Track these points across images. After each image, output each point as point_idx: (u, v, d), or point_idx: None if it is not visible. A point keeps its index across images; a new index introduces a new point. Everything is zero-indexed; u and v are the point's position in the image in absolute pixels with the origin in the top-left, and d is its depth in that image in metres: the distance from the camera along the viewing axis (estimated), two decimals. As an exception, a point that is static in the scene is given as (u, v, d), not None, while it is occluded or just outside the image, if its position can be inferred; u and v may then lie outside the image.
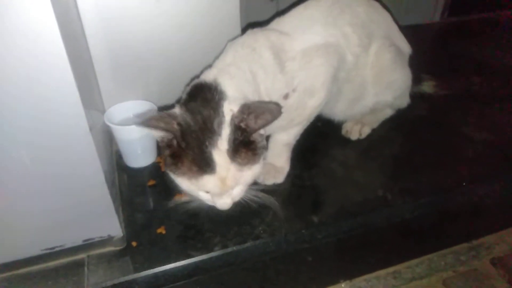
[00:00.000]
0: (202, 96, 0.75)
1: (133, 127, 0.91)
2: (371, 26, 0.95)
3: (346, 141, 1.07)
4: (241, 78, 0.78)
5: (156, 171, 0.97)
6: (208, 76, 0.78)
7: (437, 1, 1.78)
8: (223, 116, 0.72)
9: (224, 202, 0.76)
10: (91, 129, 0.66)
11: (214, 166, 0.70)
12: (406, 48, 1.06)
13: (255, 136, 0.73)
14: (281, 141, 0.93)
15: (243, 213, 0.84)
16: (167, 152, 0.74)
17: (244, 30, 0.97)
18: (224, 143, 0.71)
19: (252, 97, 0.78)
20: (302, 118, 0.90)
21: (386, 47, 0.97)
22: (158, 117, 0.72)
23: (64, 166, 0.68)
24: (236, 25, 1.04)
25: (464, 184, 0.93)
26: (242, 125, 0.71)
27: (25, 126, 0.62)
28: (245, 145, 0.72)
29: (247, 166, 0.73)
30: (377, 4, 1.00)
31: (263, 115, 0.70)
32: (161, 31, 0.99)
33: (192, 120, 0.72)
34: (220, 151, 0.70)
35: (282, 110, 0.81)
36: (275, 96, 0.83)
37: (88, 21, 0.90)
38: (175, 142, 0.72)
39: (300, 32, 0.87)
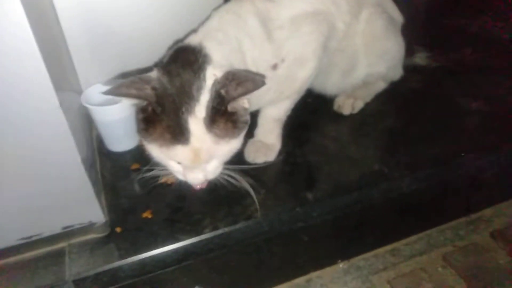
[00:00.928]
0: (184, 58, 0.70)
1: (112, 107, 0.85)
2: None
3: (339, 116, 1.02)
4: (228, 45, 0.73)
5: (139, 154, 0.91)
6: (193, 40, 0.73)
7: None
8: (204, 80, 0.66)
9: (195, 177, 0.69)
10: (61, 104, 0.60)
11: (188, 136, 0.65)
12: (398, 16, 1.02)
13: (237, 108, 0.68)
14: (272, 116, 0.88)
15: (234, 193, 0.79)
16: (140, 116, 0.68)
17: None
18: (202, 110, 0.65)
19: (238, 66, 0.73)
20: (293, 91, 0.86)
21: (378, 14, 0.92)
22: (129, 83, 0.66)
23: (36, 148, 0.63)
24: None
25: (462, 154, 0.89)
26: (223, 91, 0.65)
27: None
28: (225, 115, 0.66)
29: (225, 140, 0.68)
30: None
31: (245, 83, 0.64)
32: (139, 5, 0.93)
33: (169, 83, 0.67)
34: (196, 119, 0.65)
35: (271, 81, 0.77)
36: (263, 67, 0.79)
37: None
38: (149, 108, 0.66)
39: None
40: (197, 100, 0.65)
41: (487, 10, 1.59)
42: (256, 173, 0.85)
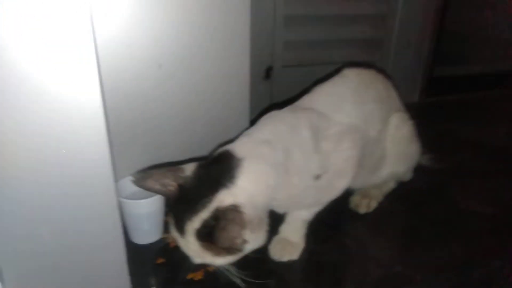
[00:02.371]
0: (217, 168, 0.76)
1: (144, 201, 0.88)
2: (389, 101, 1.01)
3: (355, 214, 1.06)
4: (268, 162, 0.77)
5: (164, 248, 0.91)
6: (240, 150, 0.77)
7: (415, 83, 1.93)
8: (212, 201, 0.71)
9: (193, 261, 0.77)
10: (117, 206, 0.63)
11: (184, 233, 0.73)
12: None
13: (230, 237, 0.72)
14: (301, 217, 0.92)
15: None
16: None
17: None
18: (197, 222, 0.71)
19: (270, 186, 0.77)
20: (329, 198, 0.90)
21: (405, 121, 1.03)
22: (159, 176, 0.75)
23: (84, 242, 0.64)
24: (245, 105, 1.07)
25: (479, 259, 0.93)
26: (215, 222, 0.71)
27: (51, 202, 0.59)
28: (213, 238, 0.71)
29: (211, 254, 0.73)
30: (389, 82, 1.07)
31: (224, 231, 0.70)
32: (173, 105, 1.00)
33: (192, 187, 0.74)
34: (191, 226, 0.72)
35: (312, 189, 0.84)
36: (306, 176, 0.82)
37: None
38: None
39: (332, 110, 0.89)
40: (197, 214, 0.71)
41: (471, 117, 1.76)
42: (281, 272, 0.86)
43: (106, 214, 0.63)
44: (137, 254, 0.90)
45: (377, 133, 0.95)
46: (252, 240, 0.74)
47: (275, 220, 0.92)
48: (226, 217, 0.70)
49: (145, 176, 0.75)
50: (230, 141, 0.82)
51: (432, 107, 1.92)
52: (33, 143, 0.55)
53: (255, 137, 0.81)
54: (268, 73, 1.64)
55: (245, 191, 0.73)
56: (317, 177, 0.83)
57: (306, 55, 1.68)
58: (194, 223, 0.71)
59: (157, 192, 0.76)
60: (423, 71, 1.89)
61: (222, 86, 1.05)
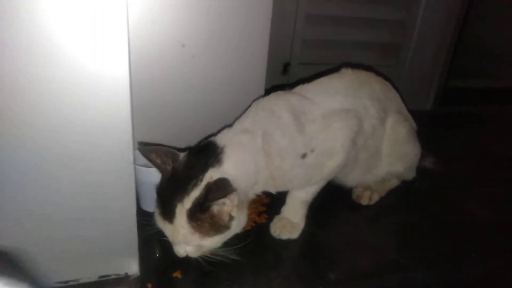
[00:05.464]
0: (202, 155, 0.82)
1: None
2: (386, 102, 1.04)
3: (357, 205, 1.10)
4: (247, 150, 0.84)
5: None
6: (221, 140, 0.85)
7: (428, 91, 1.95)
8: (202, 180, 0.78)
9: (177, 250, 0.80)
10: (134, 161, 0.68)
11: (173, 218, 0.77)
12: (413, 124, 1.15)
13: (220, 212, 0.78)
14: (299, 198, 0.96)
15: (260, 264, 0.85)
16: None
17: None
18: (189, 203, 0.76)
19: (251, 167, 0.84)
20: (320, 177, 0.94)
21: (402, 122, 1.05)
22: (162, 152, 0.83)
23: (100, 195, 0.69)
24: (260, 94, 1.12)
25: (473, 255, 0.96)
26: (209, 193, 0.76)
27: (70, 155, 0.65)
28: (206, 215, 0.77)
29: (200, 235, 0.77)
30: (389, 84, 1.11)
31: (217, 191, 0.75)
32: (192, 85, 1.05)
33: (182, 170, 0.81)
34: (183, 208, 0.76)
35: (299, 168, 0.88)
36: (291, 155, 0.87)
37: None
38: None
39: (322, 98, 0.93)
40: (188, 194, 0.77)
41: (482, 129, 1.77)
42: (279, 249, 0.91)
43: (123, 177, 0.69)
44: (147, 221, 0.96)
45: (371, 127, 0.98)
46: (237, 219, 0.81)
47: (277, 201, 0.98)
48: (217, 185, 0.76)
49: (151, 149, 0.83)
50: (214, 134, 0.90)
51: (444, 116, 1.94)
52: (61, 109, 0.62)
53: (235, 128, 0.89)
54: (286, 68, 1.69)
55: (229, 173, 0.80)
56: (304, 155, 0.88)
57: (323, 54, 1.72)
58: (185, 204, 0.76)
59: (156, 166, 0.83)
60: (438, 80, 1.91)
61: (240, 72, 1.09)
